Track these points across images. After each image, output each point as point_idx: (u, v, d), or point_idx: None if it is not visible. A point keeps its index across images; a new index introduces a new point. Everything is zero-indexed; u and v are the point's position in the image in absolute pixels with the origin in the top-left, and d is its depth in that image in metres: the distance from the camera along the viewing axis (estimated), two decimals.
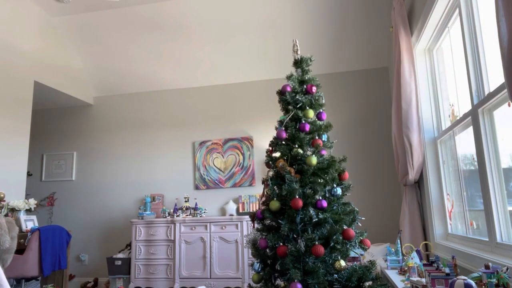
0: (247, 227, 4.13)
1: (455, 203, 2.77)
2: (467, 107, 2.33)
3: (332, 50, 4.51)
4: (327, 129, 2.22)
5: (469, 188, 2.46)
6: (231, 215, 4.45)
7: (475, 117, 2.13)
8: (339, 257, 1.84)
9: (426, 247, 3.01)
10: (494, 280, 1.55)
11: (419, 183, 3.30)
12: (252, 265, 2.04)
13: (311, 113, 2.17)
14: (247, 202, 4.55)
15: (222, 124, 4.93)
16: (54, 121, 5.45)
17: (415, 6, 3.04)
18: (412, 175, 3.09)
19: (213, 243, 4.15)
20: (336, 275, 1.86)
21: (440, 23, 2.73)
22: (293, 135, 2.16)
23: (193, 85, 5.08)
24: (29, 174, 5.25)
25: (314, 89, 2.25)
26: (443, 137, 2.90)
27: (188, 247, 4.20)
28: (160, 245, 4.27)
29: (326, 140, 2.22)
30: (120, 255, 4.46)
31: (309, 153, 2.10)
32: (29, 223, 3.81)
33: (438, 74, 3.04)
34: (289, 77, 2.29)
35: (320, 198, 1.96)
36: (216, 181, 4.76)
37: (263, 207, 2.14)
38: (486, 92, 2.04)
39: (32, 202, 3.87)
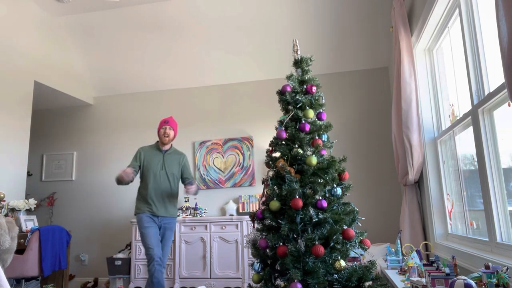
0: (247, 227, 4.13)
1: (455, 203, 2.77)
2: (467, 107, 2.33)
3: (332, 50, 4.50)
4: (327, 129, 2.22)
5: (469, 188, 2.46)
6: (231, 215, 4.45)
7: (475, 117, 2.13)
8: (339, 257, 1.84)
9: (426, 247, 3.01)
10: (494, 280, 1.55)
11: (419, 183, 3.29)
12: (252, 265, 2.04)
13: (311, 113, 2.18)
14: (247, 202, 4.55)
15: (222, 124, 4.93)
16: (54, 121, 5.45)
17: (415, 6, 3.04)
18: (412, 175, 3.09)
19: (213, 243, 4.15)
20: (336, 275, 1.86)
21: (440, 23, 2.73)
22: (293, 135, 2.16)
23: (193, 85, 5.08)
24: (29, 174, 5.25)
25: (314, 89, 2.25)
26: (443, 137, 2.90)
27: (188, 247, 4.20)
28: None
29: (326, 140, 2.22)
30: (120, 255, 4.46)
31: (309, 153, 2.10)
32: (29, 223, 3.81)
33: (438, 74, 3.04)
34: (289, 77, 2.29)
35: (320, 198, 1.96)
36: (216, 181, 4.76)
37: (263, 207, 2.14)
38: (486, 92, 2.04)
39: (32, 202, 3.87)
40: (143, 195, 3.29)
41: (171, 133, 3.40)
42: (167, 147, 3.45)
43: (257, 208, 4.39)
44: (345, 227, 1.92)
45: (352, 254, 1.98)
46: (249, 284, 2.16)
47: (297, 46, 2.39)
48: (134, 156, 3.41)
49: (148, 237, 3.16)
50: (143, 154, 3.40)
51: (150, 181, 3.29)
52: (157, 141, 3.48)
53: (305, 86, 2.28)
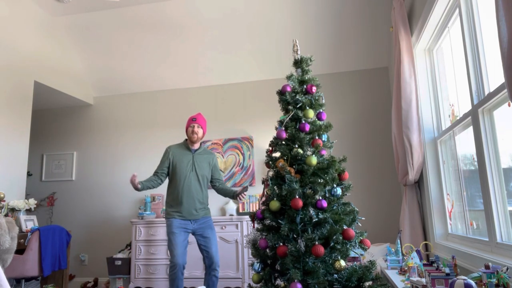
0: (247, 227, 4.13)
1: (455, 203, 2.77)
2: (467, 107, 2.34)
3: (332, 50, 4.51)
4: (327, 129, 2.22)
5: (469, 188, 2.46)
6: (231, 215, 4.45)
7: (475, 117, 2.13)
8: (339, 257, 1.84)
9: (426, 247, 3.01)
10: (494, 280, 1.55)
11: (419, 183, 3.30)
12: (252, 265, 2.04)
13: (311, 113, 2.18)
14: (247, 202, 4.55)
15: (222, 124, 4.93)
16: (54, 121, 5.45)
17: (415, 6, 3.04)
18: (412, 175, 3.09)
19: None
20: (336, 275, 1.86)
21: (440, 23, 2.73)
22: (293, 135, 2.16)
23: (193, 85, 5.08)
24: (29, 174, 5.25)
25: (314, 89, 2.25)
26: (443, 137, 2.90)
27: (188, 247, 4.20)
28: (160, 245, 4.27)
29: (326, 140, 2.22)
30: (120, 255, 4.46)
31: (309, 153, 2.11)
32: (29, 223, 3.81)
33: (438, 74, 3.04)
34: (289, 77, 2.29)
35: (320, 198, 1.96)
36: None
37: (263, 207, 2.14)
38: (486, 92, 2.04)
39: (32, 202, 3.87)
40: (173, 198, 3.16)
41: (200, 131, 3.22)
42: (196, 146, 3.27)
43: (257, 208, 4.39)
44: (345, 227, 1.92)
45: (352, 254, 1.98)
46: (249, 284, 2.17)
47: (297, 46, 2.39)
48: (162, 157, 3.25)
49: (174, 244, 3.02)
50: (171, 153, 3.22)
51: (180, 183, 3.13)
52: (185, 139, 3.31)
53: (305, 86, 2.28)
